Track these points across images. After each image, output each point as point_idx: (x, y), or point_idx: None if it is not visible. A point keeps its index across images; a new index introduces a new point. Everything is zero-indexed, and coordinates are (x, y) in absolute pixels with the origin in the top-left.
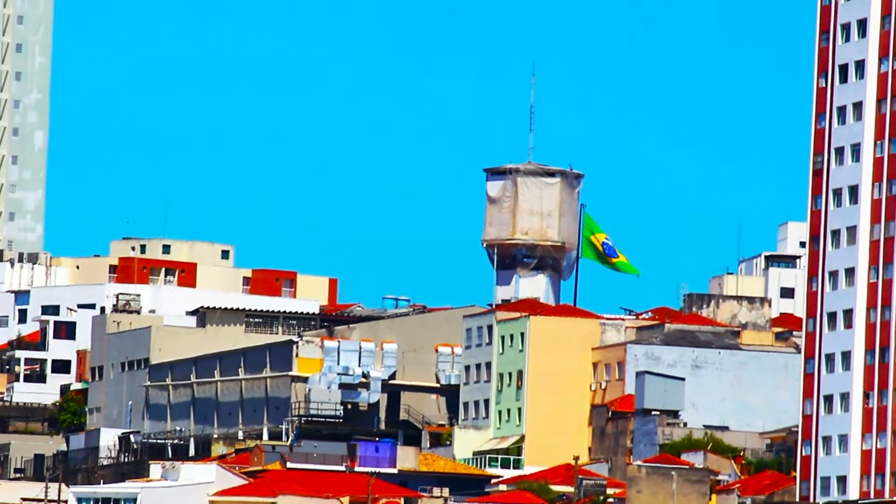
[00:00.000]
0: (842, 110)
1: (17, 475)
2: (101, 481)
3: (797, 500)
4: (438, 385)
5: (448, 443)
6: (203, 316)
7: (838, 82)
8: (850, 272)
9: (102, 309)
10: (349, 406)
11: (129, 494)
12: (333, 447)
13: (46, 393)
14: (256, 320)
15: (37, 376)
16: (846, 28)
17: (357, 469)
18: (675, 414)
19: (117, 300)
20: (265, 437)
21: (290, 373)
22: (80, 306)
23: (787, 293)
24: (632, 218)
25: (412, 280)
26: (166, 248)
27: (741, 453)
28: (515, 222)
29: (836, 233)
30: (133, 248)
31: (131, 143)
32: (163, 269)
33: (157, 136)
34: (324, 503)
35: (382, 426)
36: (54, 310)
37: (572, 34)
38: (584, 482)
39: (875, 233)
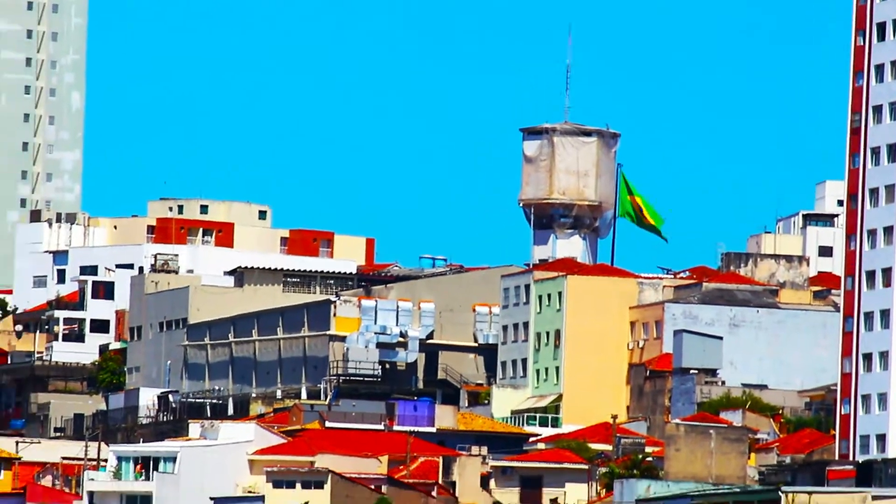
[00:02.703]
0: (880, 68)
1: (57, 434)
2: (141, 440)
3: (836, 458)
4: (476, 344)
5: (486, 402)
6: (241, 276)
7: (876, 40)
8: (889, 230)
9: (140, 269)
10: (387, 365)
11: (168, 453)
12: (372, 406)
13: (85, 352)
14: (294, 280)
15: (76, 336)
16: None
17: (395, 428)
18: (713, 373)
19: (155, 260)
20: (303, 396)
21: (327, 332)
22: (118, 266)
23: (826, 252)
24: (669, 177)
25: (449, 240)
26: (204, 209)
27: (780, 412)
28: (552, 182)
29: (874, 191)
30: (171, 209)
31: (169, 104)
32: (200, 230)
33: (194, 97)
34: (362, 462)
35: (420, 385)
36: (92, 270)
37: None
38: (622, 441)
39: None
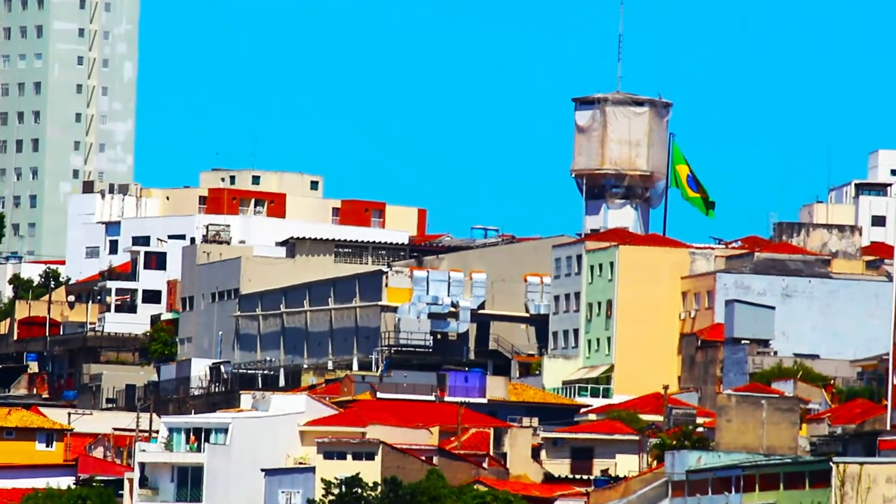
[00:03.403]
0: None
1: (109, 405)
2: (192, 411)
3: (888, 428)
4: (527, 315)
5: (537, 372)
6: (292, 246)
7: None
8: None
9: (192, 239)
10: (438, 336)
11: (220, 424)
12: (423, 377)
13: (137, 323)
14: (346, 250)
15: (128, 307)
16: None
17: (446, 399)
18: (765, 343)
19: (207, 231)
20: (355, 367)
21: (379, 303)
22: (170, 237)
23: (878, 221)
24: (721, 146)
25: (501, 210)
26: (255, 179)
27: (832, 382)
28: (604, 152)
29: None
30: (223, 179)
31: (221, 74)
32: (252, 200)
33: (246, 67)
34: (413, 433)
35: (472, 356)
36: (145, 241)
37: None
38: (673, 411)
39: None
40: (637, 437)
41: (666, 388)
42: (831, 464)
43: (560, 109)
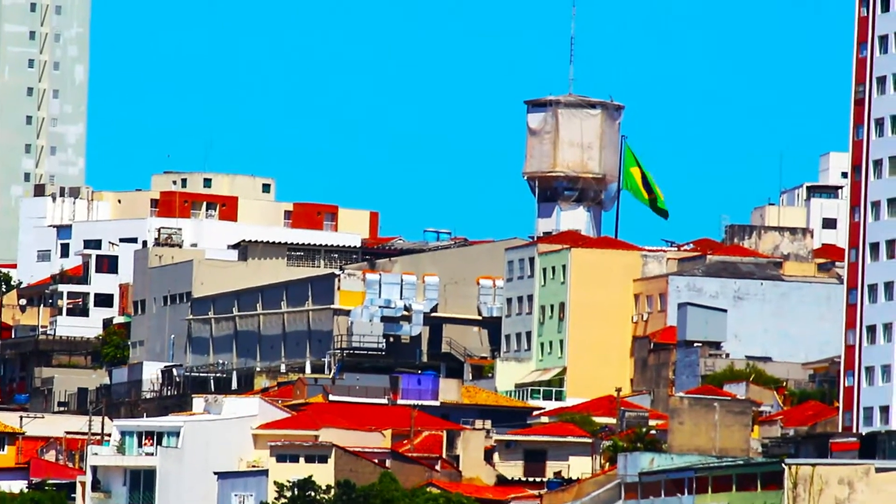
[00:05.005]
0: (884, 39)
1: (61, 408)
2: (145, 414)
3: (840, 430)
4: (480, 318)
5: (490, 375)
6: (245, 249)
7: (880, 11)
8: (893, 202)
9: (144, 243)
10: (391, 339)
11: (172, 428)
12: (376, 380)
13: (89, 327)
14: (298, 254)
15: (79, 310)
16: None
17: (399, 402)
18: (717, 345)
19: (159, 234)
20: (307, 370)
21: (332, 306)
22: (121, 240)
23: (830, 224)
24: (673, 149)
25: (453, 213)
26: (207, 182)
27: (784, 384)
28: (556, 154)
29: (878, 163)
30: (174, 182)
31: (172, 77)
32: (204, 203)
33: (198, 70)
34: (366, 436)
35: (424, 359)
36: (96, 244)
37: None
38: (626, 414)
39: None
40: (590, 440)
41: (618, 390)
42: (783, 465)
43: (512, 112)
